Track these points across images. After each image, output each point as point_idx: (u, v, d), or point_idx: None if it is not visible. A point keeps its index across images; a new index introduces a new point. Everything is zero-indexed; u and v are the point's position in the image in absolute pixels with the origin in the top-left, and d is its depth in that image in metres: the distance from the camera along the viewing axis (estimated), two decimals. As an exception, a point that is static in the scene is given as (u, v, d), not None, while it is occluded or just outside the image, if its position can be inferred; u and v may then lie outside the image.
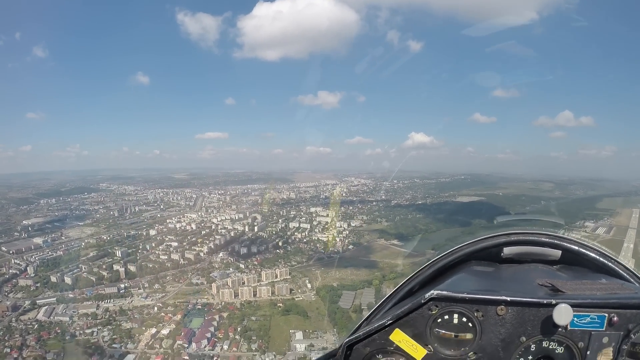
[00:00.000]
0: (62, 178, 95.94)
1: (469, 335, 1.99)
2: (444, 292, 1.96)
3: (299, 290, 61.21)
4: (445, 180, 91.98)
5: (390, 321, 2.05)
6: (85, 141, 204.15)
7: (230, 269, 65.24)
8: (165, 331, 54.34)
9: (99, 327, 54.87)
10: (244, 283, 61.58)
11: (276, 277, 62.89)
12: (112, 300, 59.37)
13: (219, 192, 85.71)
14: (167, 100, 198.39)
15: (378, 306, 2.50)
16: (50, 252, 65.99)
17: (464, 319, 1.98)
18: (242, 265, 65.79)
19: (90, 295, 59.56)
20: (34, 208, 78.09)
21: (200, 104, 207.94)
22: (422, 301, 1.99)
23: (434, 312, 1.99)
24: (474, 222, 64.78)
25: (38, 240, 67.92)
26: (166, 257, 66.92)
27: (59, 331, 53.87)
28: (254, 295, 60.02)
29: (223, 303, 59.12)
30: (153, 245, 69.60)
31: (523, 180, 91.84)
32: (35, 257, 64.41)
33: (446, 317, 2.00)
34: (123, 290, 61.08)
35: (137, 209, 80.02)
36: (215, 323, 55.26)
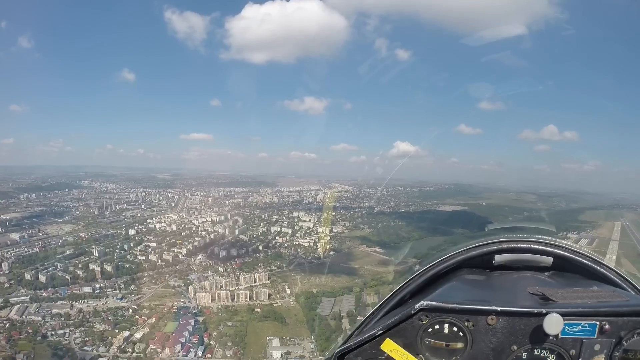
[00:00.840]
0: (44, 173, 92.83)
1: (460, 345, 1.98)
2: (434, 303, 1.95)
3: (278, 296, 59.09)
4: (429, 189, 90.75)
5: (381, 331, 2.03)
6: (68, 137, 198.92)
7: (209, 272, 62.95)
8: (138, 334, 52.12)
9: (71, 329, 52.50)
10: (221, 287, 59.34)
11: (255, 281, 60.79)
12: (86, 300, 56.81)
13: (202, 194, 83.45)
14: (152, 99, 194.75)
15: (369, 315, 2.46)
16: (26, 249, 63.33)
17: (455, 329, 1.97)
18: (220, 269, 63.53)
19: (65, 295, 57.11)
20: (13, 202, 75.25)
21: (185, 104, 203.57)
22: (412, 312, 1.97)
23: (424, 322, 1.98)
24: (457, 231, 63.86)
25: (15, 236, 65.19)
26: (144, 258, 64.54)
27: (30, 331, 51.46)
28: (232, 299, 57.71)
29: (200, 307, 56.86)
30: (131, 245, 67.11)
31: (506, 192, 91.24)
32: (10, 253, 61.79)
33: (437, 326, 1.98)
34: (98, 291, 58.55)
35: (117, 208, 77.40)
36: (190, 328, 53.00)
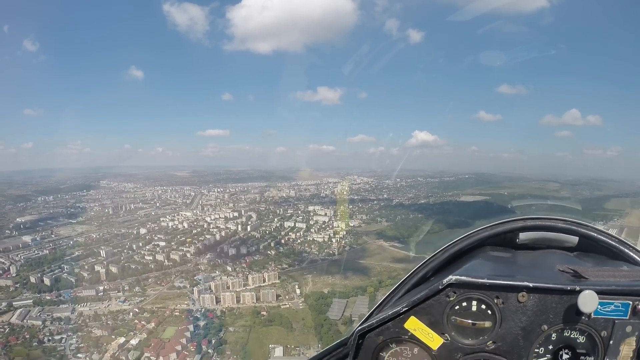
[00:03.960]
0: (63, 175, 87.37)
1: (487, 324, 1.84)
2: (463, 278, 1.80)
3: (287, 297, 51.96)
4: (449, 179, 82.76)
5: (406, 308, 1.89)
6: (86, 138, 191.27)
7: (216, 272, 56.19)
8: (134, 341, 46.12)
9: (69, 334, 47.16)
10: (228, 287, 52.52)
11: (264, 281, 53.74)
12: (88, 303, 51.23)
13: (218, 190, 76.31)
14: (164, 95, 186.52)
15: (390, 293, 2.30)
16: (36, 251, 57.85)
17: (483, 306, 1.83)
18: (229, 268, 56.55)
19: (68, 298, 51.82)
20: (30, 205, 69.63)
21: (197, 100, 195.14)
22: (440, 287, 1.82)
23: (451, 299, 1.84)
24: (478, 222, 54.12)
25: (27, 239, 59.89)
26: (151, 258, 58.01)
27: (27, 336, 46.56)
28: (237, 301, 50.84)
29: (203, 310, 50.51)
30: (140, 244, 60.78)
31: (528, 180, 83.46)
32: (20, 256, 56.78)
33: (464, 304, 1.84)
34: (101, 293, 52.79)
35: (132, 207, 71.02)
36: (188, 334, 46.35)
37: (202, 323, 48.29)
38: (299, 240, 61.87)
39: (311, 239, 61.41)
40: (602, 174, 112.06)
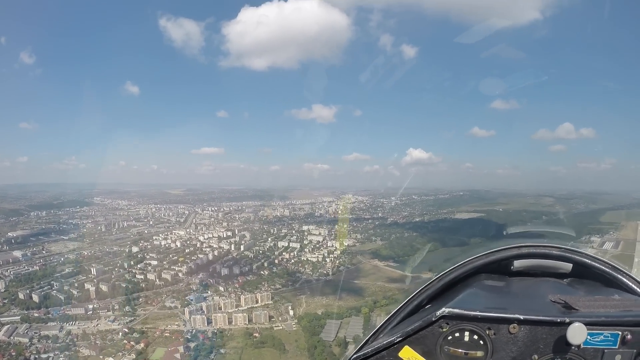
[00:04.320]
0: (58, 191, 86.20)
1: (479, 353, 1.85)
2: (456, 310, 1.83)
3: (280, 318, 50.56)
4: (443, 196, 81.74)
5: (400, 338, 1.91)
6: (81, 154, 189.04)
7: (208, 292, 54.63)
8: None
9: (56, 352, 46.28)
10: (220, 308, 51.09)
11: (257, 302, 52.37)
12: (77, 322, 50.11)
13: (212, 209, 75.24)
14: (159, 112, 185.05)
15: (386, 321, 2.28)
16: (26, 267, 56.90)
17: (475, 337, 1.84)
18: (221, 288, 55.08)
19: (56, 316, 50.61)
20: (23, 220, 68.52)
21: (191, 117, 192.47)
22: (433, 319, 1.85)
23: (444, 330, 1.85)
24: (473, 240, 55.41)
25: (17, 254, 58.88)
26: (142, 277, 56.69)
27: (13, 354, 45.52)
28: (229, 322, 49.31)
29: (194, 331, 48.88)
30: (132, 263, 59.45)
31: (523, 196, 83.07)
32: (10, 271, 55.84)
33: (457, 334, 1.86)
34: (91, 312, 51.42)
35: (125, 225, 69.74)
36: (178, 355, 44.90)
37: (192, 344, 46.77)
38: (292, 260, 60.56)
39: (305, 259, 60.07)
40: (597, 187, 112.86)
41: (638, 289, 2.10)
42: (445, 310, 1.78)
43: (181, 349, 45.28)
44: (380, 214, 72.81)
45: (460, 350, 1.82)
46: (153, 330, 48.83)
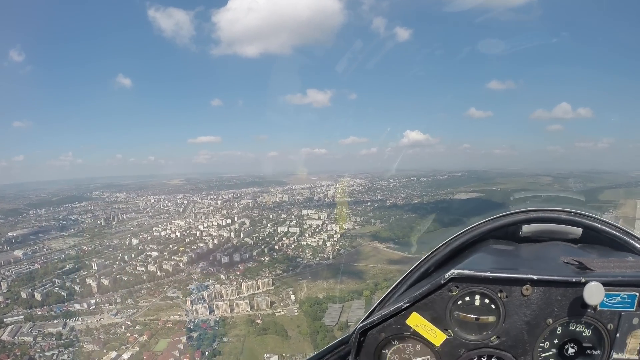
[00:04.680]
0: (56, 187, 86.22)
1: (491, 318, 1.78)
2: (466, 272, 1.74)
3: (282, 304, 50.15)
4: (442, 177, 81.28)
5: (407, 304, 1.83)
6: (77, 149, 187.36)
7: (210, 281, 54.26)
8: (126, 355, 44.38)
9: (60, 349, 45.64)
10: (221, 296, 50.55)
11: (258, 288, 51.97)
12: (80, 317, 49.62)
13: (211, 197, 74.58)
14: (153, 103, 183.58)
15: (392, 289, 2.23)
16: (27, 265, 56.43)
17: (487, 301, 1.78)
18: (222, 276, 54.63)
19: (59, 313, 50.09)
20: (22, 219, 67.91)
21: (186, 106, 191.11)
22: (442, 281, 1.76)
23: (454, 294, 1.78)
24: (472, 220, 53.43)
25: (18, 253, 58.26)
26: (143, 269, 56.27)
27: (18, 353, 44.93)
28: (231, 310, 48.96)
29: (196, 320, 48.67)
30: (132, 255, 59.15)
31: (521, 175, 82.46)
32: (12, 271, 55.18)
33: (467, 298, 1.79)
34: (93, 307, 51.09)
35: (125, 217, 69.29)
36: (181, 345, 44.36)
37: (195, 334, 46.42)
38: (292, 246, 60.00)
39: (305, 244, 59.55)
40: (594, 166, 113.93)
41: None
42: (454, 271, 1.69)
43: (184, 339, 44.85)
44: (379, 197, 72.31)
45: (471, 316, 1.73)
46: (156, 322, 48.53)
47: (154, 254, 58.71)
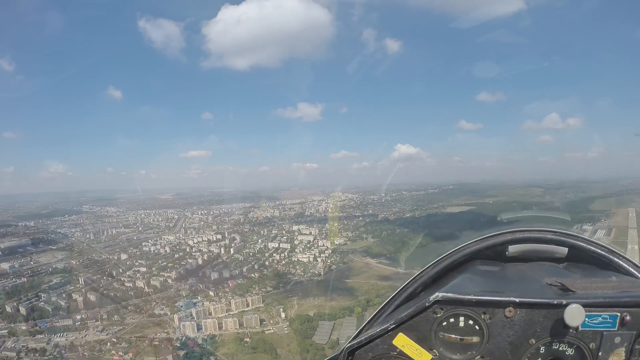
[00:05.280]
0: (46, 200, 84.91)
1: (475, 339, 1.84)
2: (450, 295, 1.81)
3: (271, 321, 48.46)
4: (433, 191, 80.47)
5: (394, 325, 1.89)
6: (68, 162, 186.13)
7: (198, 297, 52.43)
8: None
9: None
10: (210, 314, 48.81)
11: (247, 305, 50.14)
12: (65, 333, 47.57)
13: (202, 212, 73.11)
14: (144, 116, 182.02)
15: (380, 309, 2.27)
16: (14, 279, 54.31)
17: (471, 322, 1.83)
18: (211, 293, 52.88)
19: (44, 328, 48.04)
20: (11, 231, 66.07)
21: (177, 120, 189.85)
22: (427, 304, 1.83)
23: (439, 315, 1.84)
24: (465, 234, 52.92)
25: (5, 266, 56.27)
26: (131, 285, 54.32)
27: None
28: (220, 328, 47.22)
29: (183, 338, 46.72)
30: (120, 270, 57.09)
31: (512, 187, 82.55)
32: None
33: (452, 320, 1.85)
34: (79, 323, 48.93)
35: (114, 232, 67.54)
36: None
37: (182, 352, 44.70)
38: (283, 262, 58.37)
39: (296, 260, 58.05)
40: (585, 176, 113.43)
41: (635, 272, 2.04)
42: (439, 295, 1.74)
43: (170, 357, 43.17)
44: (370, 211, 71.13)
45: (455, 336, 1.78)
46: (142, 339, 46.57)
47: (143, 269, 56.87)
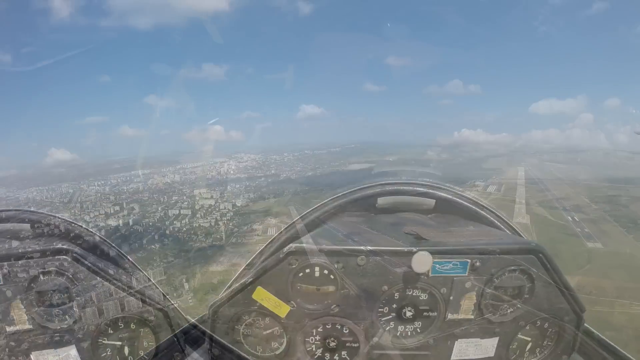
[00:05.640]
0: None
1: (331, 288, 1.95)
2: (303, 245, 1.91)
3: (175, 294, 46.28)
4: (335, 149, 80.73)
5: (251, 279, 2.01)
6: None
7: (97, 279, 49.35)
8: None
9: None
10: (111, 295, 46.29)
11: (149, 280, 47.90)
12: None
13: (99, 183, 68.76)
14: (37, 81, 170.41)
15: (246, 266, 2.42)
16: None
17: (326, 272, 1.93)
18: (111, 271, 49.99)
19: None
20: None
21: (72, 83, 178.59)
22: (281, 256, 1.93)
23: (294, 266, 1.94)
24: None
25: None
26: (24, 272, 50.33)
27: None
28: (122, 309, 44.91)
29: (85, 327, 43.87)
30: (11, 257, 52.56)
31: (413, 146, 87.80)
32: None
33: (307, 270, 1.95)
34: None
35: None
36: None
37: (85, 344, 42.76)
38: (184, 229, 56.59)
39: (197, 225, 56.49)
40: (486, 138, 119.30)
41: (497, 222, 2.16)
42: (292, 245, 1.82)
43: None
44: (273, 171, 71.22)
45: (312, 286, 1.88)
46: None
47: (35, 253, 53.25)
